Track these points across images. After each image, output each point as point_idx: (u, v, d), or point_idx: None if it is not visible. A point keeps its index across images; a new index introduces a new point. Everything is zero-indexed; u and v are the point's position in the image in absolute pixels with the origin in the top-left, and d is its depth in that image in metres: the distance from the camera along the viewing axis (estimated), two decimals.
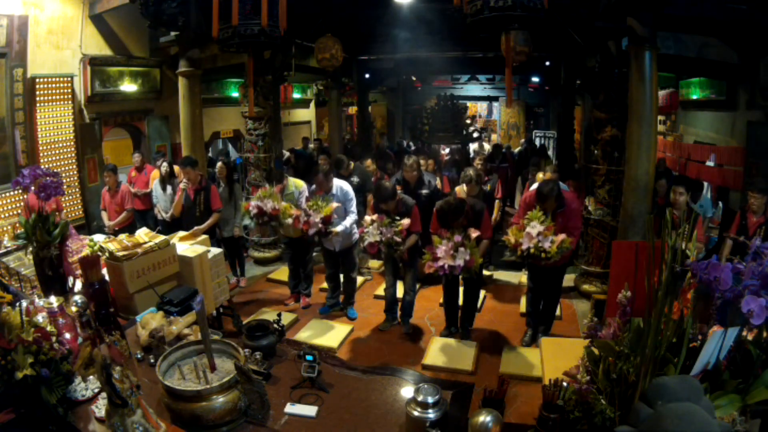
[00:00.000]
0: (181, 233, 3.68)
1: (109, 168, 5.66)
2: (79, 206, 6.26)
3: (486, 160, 6.62)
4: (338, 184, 4.43)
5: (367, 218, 3.89)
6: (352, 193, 4.45)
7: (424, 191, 4.82)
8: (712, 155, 6.82)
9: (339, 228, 4.17)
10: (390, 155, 8.01)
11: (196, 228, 4.48)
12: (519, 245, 3.38)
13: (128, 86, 6.75)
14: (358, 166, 5.75)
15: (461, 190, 4.78)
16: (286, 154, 8.64)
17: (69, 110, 5.96)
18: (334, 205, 4.13)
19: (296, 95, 11.79)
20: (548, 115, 15.01)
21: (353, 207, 4.41)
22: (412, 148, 10.90)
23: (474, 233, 3.54)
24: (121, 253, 2.58)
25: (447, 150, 10.60)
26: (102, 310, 2.12)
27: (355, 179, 5.15)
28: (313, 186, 4.41)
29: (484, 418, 1.53)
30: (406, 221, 3.83)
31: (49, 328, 1.76)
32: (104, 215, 5.72)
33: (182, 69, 5.81)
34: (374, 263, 5.72)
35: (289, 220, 3.98)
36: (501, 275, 5.70)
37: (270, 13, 3.90)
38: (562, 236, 3.32)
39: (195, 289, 2.67)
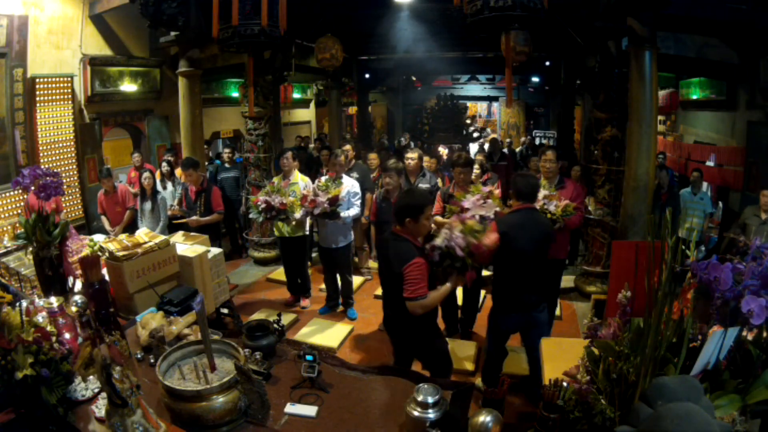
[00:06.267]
0: (182, 233, 3.68)
1: (104, 174, 5.41)
2: (79, 206, 6.26)
3: (485, 159, 6.61)
4: (348, 178, 4.53)
5: (439, 218, 3.53)
6: (359, 190, 4.50)
7: (425, 185, 4.84)
8: (712, 155, 6.83)
9: (343, 214, 4.18)
10: (390, 153, 8.01)
11: (197, 218, 4.53)
12: None
13: (128, 86, 6.75)
14: (358, 164, 5.75)
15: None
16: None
17: (69, 110, 5.96)
18: (343, 187, 4.23)
19: (296, 95, 11.79)
20: (548, 115, 15.00)
21: (357, 201, 4.43)
22: (412, 146, 10.91)
23: (493, 189, 3.62)
24: (121, 253, 2.58)
25: (447, 150, 10.61)
26: (102, 310, 2.12)
27: (355, 175, 5.16)
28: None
29: (484, 418, 1.53)
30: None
31: (49, 328, 1.75)
32: (104, 220, 5.49)
33: (182, 69, 5.81)
34: (374, 263, 5.72)
35: (297, 215, 3.99)
36: None
37: (270, 13, 3.90)
38: (566, 201, 3.49)
39: (195, 289, 2.67)
